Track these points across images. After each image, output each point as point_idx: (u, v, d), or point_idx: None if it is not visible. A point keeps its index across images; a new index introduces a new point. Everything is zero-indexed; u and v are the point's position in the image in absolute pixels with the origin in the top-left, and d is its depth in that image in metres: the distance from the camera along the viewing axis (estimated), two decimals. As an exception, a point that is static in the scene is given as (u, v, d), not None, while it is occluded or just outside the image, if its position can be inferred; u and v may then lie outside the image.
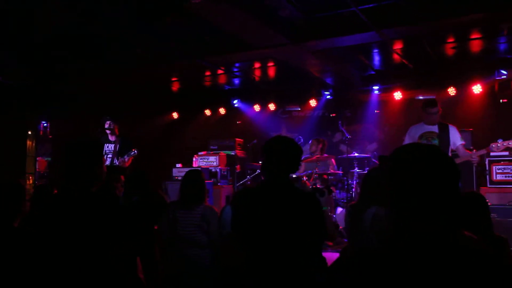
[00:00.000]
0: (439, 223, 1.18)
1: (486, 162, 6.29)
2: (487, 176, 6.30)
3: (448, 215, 1.18)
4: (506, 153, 6.24)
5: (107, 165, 6.06)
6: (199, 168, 7.84)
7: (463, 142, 5.69)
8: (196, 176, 4.26)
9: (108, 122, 6.93)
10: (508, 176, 6.15)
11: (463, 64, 8.28)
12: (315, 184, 7.00)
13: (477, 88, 8.51)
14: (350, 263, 1.28)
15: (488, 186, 6.24)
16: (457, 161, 5.55)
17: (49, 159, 10.52)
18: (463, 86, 8.64)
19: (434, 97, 8.53)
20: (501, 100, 8.58)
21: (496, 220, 5.26)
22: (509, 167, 6.16)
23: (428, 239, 1.18)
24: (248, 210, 2.59)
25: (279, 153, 2.65)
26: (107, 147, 6.91)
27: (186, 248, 4.03)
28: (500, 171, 6.20)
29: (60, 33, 6.39)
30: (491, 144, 5.40)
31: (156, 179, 7.18)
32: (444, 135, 5.60)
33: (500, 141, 5.34)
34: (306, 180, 7.03)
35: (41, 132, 10.56)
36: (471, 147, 6.85)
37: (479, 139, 7.31)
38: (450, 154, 5.64)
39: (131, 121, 9.88)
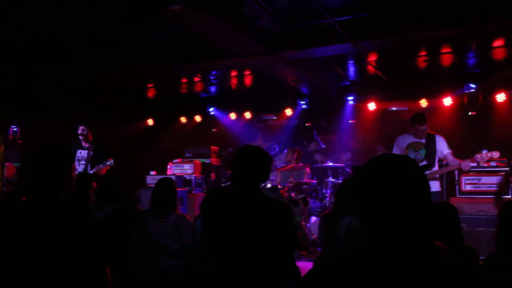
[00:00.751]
0: (412, 234, 1.21)
1: (456, 173, 6.46)
2: (457, 187, 6.47)
3: (421, 225, 1.21)
4: (475, 164, 6.42)
5: (80, 172, 5.96)
6: (173, 176, 7.78)
7: (450, 151, 5.82)
8: (168, 184, 4.23)
9: (81, 127, 6.82)
10: (476, 187, 6.32)
11: (434, 77, 8.51)
12: (289, 193, 7.04)
13: (447, 101, 8.74)
14: (322, 273, 1.28)
15: (458, 196, 6.40)
16: (446, 169, 5.71)
17: (18, 164, 10.25)
18: (434, 98, 8.86)
19: (406, 109, 8.75)
20: (470, 113, 8.84)
21: (465, 229, 5.39)
22: (477, 178, 6.34)
23: (402, 250, 1.20)
24: (217, 220, 2.58)
25: (248, 163, 2.63)
26: (80, 153, 6.80)
27: (158, 257, 3.99)
28: (469, 181, 6.38)
29: (33, 36, 6.27)
30: (476, 155, 5.56)
31: (129, 186, 7.10)
32: (430, 145, 5.76)
33: (484, 151, 5.50)
34: (281, 189, 7.06)
35: (10, 137, 10.29)
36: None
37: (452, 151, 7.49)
38: (437, 163, 5.81)
39: (105, 127, 9.74)
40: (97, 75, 8.13)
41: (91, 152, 6.74)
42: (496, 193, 6.18)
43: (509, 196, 6.08)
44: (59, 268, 1.96)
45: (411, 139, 5.87)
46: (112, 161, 6.65)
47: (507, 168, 6.18)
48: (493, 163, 6.31)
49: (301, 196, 7.05)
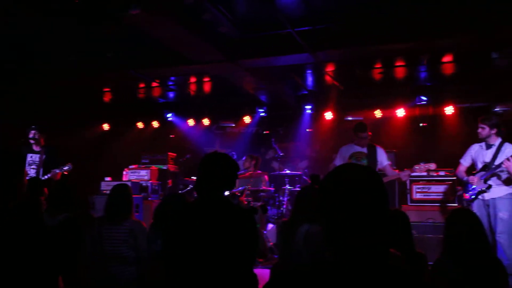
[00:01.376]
0: (371, 242, 1.25)
1: (407, 182, 6.69)
2: (408, 195, 6.70)
3: (380, 233, 1.25)
4: (425, 173, 6.69)
5: (32, 178, 5.74)
6: (129, 182, 7.63)
7: (389, 162, 6.12)
8: (123, 190, 4.15)
9: (33, 132, 6.57)
10: (427, 195, 6.58)
11: (388, 89, 8.81)
12: (248, 201, 7.06)
13: (400, 112, 9.07)
14: (282, 284, 1.29)
15: (409, 204, 6.64)
16: (385, 179, 5.91)
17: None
18: (388, 109, 9.16)
19: (362, 119, 9.00)
20: (421, 124, 9.21)
21: (415, 236, 5.59)
22: (428, 186, 6.60)
23: (362, 259, 1.24)
24: (180, 227, 2.56)
25: (216, 170, 2.61)
26: (31, 157, 6.54)
27: (112, 264, 3.89)
28: (419, 190, 6.62)
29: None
30: (414, 166, 5.80)
31: (83, 192, 6.90)
32: (372, 155, 5.99)
33: (422, 164, 5.76)
34: (239, 196, 7.07)
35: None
36: (394, 167, 7.26)
37: (402, 160, 7.78)
38: None
39: (59, 132, 9.43)
40: (52, 79, 7.88)
41: (43, 156, 6.50)
42: (442, 202, 6.46)
43: (455, 204, 6.36)
44: (10, 277, 1.89)
45: (354, 148, 6.10)
46: (70, 165, 6.47)
47: (454, 178, 6.47)
48: (442, 173, 6.60)
49: (259, 203, 7.09)
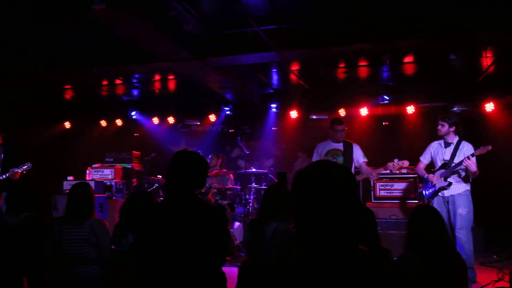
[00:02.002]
0: (341, 238, 1.27)
1: (371, 180, 6.84)
2: (372, 192, 6.86)
3: (350, 229, 1.28)
4: (388, 171, 6.86)
5: None
6: (92, 182, 7.46)
7: (365, 160, 6.13)
8: (83, 189, 4.06)
9: None
10: (390, 192, 6.76)
11: (352, 88, 8.97)
12: (216, 199, 7.04)
13: (364, 111, 9.26)
14: (254, 281, 1.30)
15: (373, 201, 6.80)
16: (360, 177, 6.00)
17: None
18: (352, 108, 9.33)
19: (326, 118, 9.14)
20: (384, 123, 9.44)
21: (380, 232, 5.73)
22: (390, 184, 6.78)
23: (331, 255, 1.26)
24: (152, 225, 2.53)
25: (187, 168, 2.61)
26: None
27: (74, 265, 3.80)
28: (382, 187, 6.80)
29: None
30: (388, 163, 5.90)
31: (45, 192, 6.70)
32: (348, 152, 6.03)
33: (396, 160, 5.86)
34: (207, 194, 7.04)
35: None
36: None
37: (367, 158, 7.93)
38: (353, 171, 6.08)
39: (19, 130, 9.12)
40: (11, 76, 7.60)
41: (2, 155, 6.27)
42: (404, 199, 6.65)
43: (416, 201, 6.56)
44: None
45: (330, 145, 6.12)
46: (29, 164, 6.32)
47: (416, 175, 6.66)
48: (404, 170, 6.78)
49: (226, 201, 7.08)
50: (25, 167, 6.27)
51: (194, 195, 2.63)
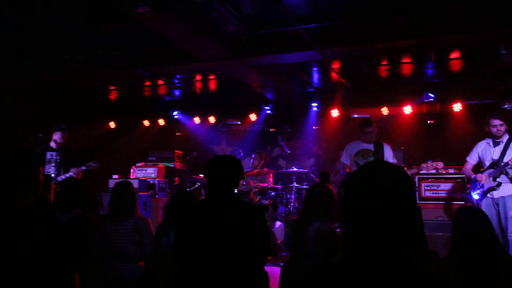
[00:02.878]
0: (394, 240, 1.23)
1: (416, 179, 6.66)
2: (417, 193, 6.67)
3: (402, 231, 1.24)
4: (434, 171, 6.65)
5: (44, 175, 5.74)
6: (136, 180, 7.64)
7: (395, 161, 5.98)
8: (125, 188, 4.15)
9: (61, 132, 6.55)
10: (435, 193, 6.54)
11: (395, 86, 8.76)
12: (259, 198, 7.05)
13: (407, 109, 9.03)
14: (301, 285, 1.28)
15: (418, 202, 6.60)
16: None
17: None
18: (395, 106, 9.12)
19: (369, 116, 8.96)
20: (428, 121, 9.16)
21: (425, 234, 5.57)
22: (436, 184, 6.56)
23: (383, 257, 1.22)
24: (193, 223, 2.57)
25: (223, 172, 2.77)
26: (51, 155, 6.52)
27: (118, 262, 3.89)
28: (428, 188, 6.59)
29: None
30: (422, 164, 5.73)
31: (91, 190, 6.93)
32: (379, 153, 5.88)
33: (429, 162, 5.69)
34: (249, 193, 7.07)
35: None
36: (403, 165, 7.23)
37: (410, 157, 7.74)
38: None
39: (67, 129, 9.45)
40: (58, 77, 7.90)
41: (59, 156, 6.51)
42: (451, 200, 6.42)
43: (462, 203, 6.32)
44: (28, 275, 1.88)
45: (360, 145, 5.97)
46: (95, 164, 6.54)
47: (464, 175, 6.43)
48: (451, 170, 6.56)
49: (267, 202, 7.08)
50: (93, 165, 6.49)
51: (233, 194, 2.70)
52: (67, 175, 6.34)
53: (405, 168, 5.90)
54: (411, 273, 1.20)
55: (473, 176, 5.50)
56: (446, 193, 6.49)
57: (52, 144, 6.60)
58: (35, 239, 1.94)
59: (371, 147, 5.93)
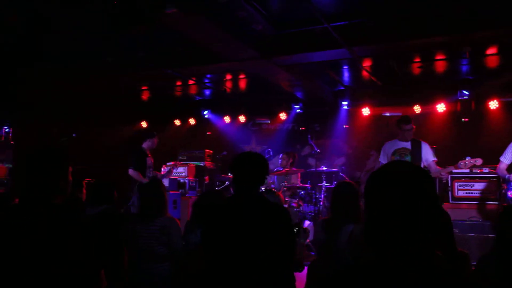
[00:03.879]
0: (417, 242, 1.21)
1: (449, 179, 6.49)
2: (449, 192, 6.50)
3: (425, 233, 1.21)
4: (467, 170, 6.46)
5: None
6: (167, 179, 7.76)
7: (435, 159, 5.78)
8: (155, 188, 4.19)
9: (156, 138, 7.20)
10: (469, 193, 6.36)
11: (428, 83, 8.57)
12: (286, 199, 6.99)
13: (441, 107, 8.80)
14: (325, 284, 1.27)
15: (450, 202, 6.44)
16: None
17: (10, 165, 10.17)
18: (428, 104, 8.91)
19: (400, 115, 8.80)
20: (462, 119, 8.90)
21: (457, 235, 5.43)
22: (470, 183, 6.38)
23: (406, 259, 1.20)
24: (220, 223, 2.58)
25: (247, 169, 2.74)
26: (149, 161, 7.04)
27: (146, 261, 3.94)
28: (461, 187, 6.41)
29: (23, 35, 6.25)
30: (460, 162, 5.52)
31: (123, 188, 7.07)
32: (416, 151, 5.70)
33: (468, 158, 5.49)
34: (277, 191, 7.06)
35: (2, 138, 10.22)
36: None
37: (443, 157, 7.53)
38: None
39: (101, 130, 9.71)
40: (91, 78, 8.10)
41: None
42: (486, 200, 6.22)
43: (497, 203, 6.11)
44: (53, 273, 1.93)
45: (397, 144, 5.82)
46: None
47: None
48: (485, 169, 6.36)
49: (295, 201, 7.06)
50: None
51: (258, 192, 2.69)
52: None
53: (439, 168, 5.68)
54: (432, 274, 1.17)
55: (507, 176, 5.31)
56: (480, 193, 6.30)
57: (148, 151, 7.08)
58: (63, 237, 1.98)
59: (408, 145, 5.76)
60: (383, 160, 5.96)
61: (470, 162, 5.43)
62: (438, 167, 5.66)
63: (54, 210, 2.06)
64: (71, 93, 9.04)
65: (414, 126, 5.79)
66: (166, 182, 7.79)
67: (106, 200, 4.37)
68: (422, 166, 5.68)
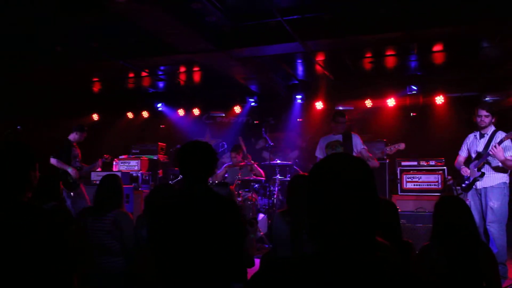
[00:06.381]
0: (360, 232, 1.23)
1: (398, 171, 6.71)
2: (398, 184, 6.72)
3: (365, 223, 1.23)
4: (415, 162, 6.71)
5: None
6: (119, 173, 7.58)
7: (365, 147, 6.15)
8: (113, 181, 4.10)
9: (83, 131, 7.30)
10: (417, 185, 6.60)
11: (379, 78, 8.80)
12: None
13: (391, 102, 9.07)
14: (269, 274, 1.27)
15: (399, 193, 6.66)
16: None
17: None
18: (379, 98, 9.16)
19: (352, 109, 9.03)
20: (411, 114, 9.22)
21: (405, 226, 5.62)
22: (418, 176, 6.61)
23: (350, 249, 1.22)
24: (164, 217, 2.53)
25: (193, 159, 2.60)
26: (75, 151, 7.21)
27: (99, 255, 3.86)
28: (409, 179, 6.64)
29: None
30: (385, 148, 6.06)
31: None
32: (347, 142, 6.09)
33: (391, 145, 5.91)
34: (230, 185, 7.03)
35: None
36: (385, 157, 7.27)
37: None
38: None
39: (49, 122, 9.35)
40: (39, 68, 7.77)
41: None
42: (431, 191, 6.47)
43: (443, 194, 6.39)
44: (30, 275, 1.85)
45: (330, 138, 6.23)
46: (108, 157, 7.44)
47: (445, 167, 6.49)
48: (432, 162, 6.62)
49: (254, 203, 7.08)
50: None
51: (205, 185, 2.62)
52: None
53: (370, 155, 6.00)
54: (375, 265, 1.20)
55: (460, 167, 5.55)
56: (428, 185, 6.55)
57: (72, 142, 7.23)
58: (37, 237, 1.90)
59: (339, 138, 6.14)
60: (319, 154, 6.32)
61: (394, 147, 5.78)
62: (369, 153, 5.96)
63: (27, 208, 1.97)
64: (17, 83, 8.63)
65: (347, 121, 6.26)
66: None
67: (52, 196, 4.22)
68: (354, 155, 5.95)
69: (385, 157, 7.13)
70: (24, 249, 1.86)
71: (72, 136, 7.25)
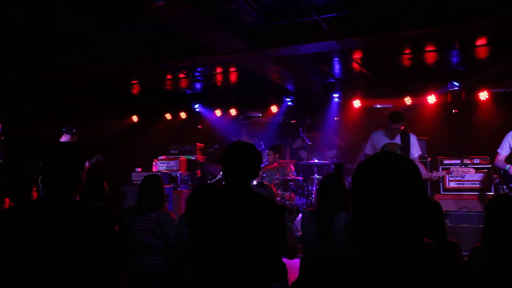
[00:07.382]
0: (404, 232, 1.20)
1: (440, 169, 6.52)
2: (441, 183, 6.54)
3: (412, 223, 1.20)
4: (458, 161, 6.50)
5: None
6: (159, 173, 7.72)
7: (420, 153, 5.81)
8: (153, 182, 4.17)
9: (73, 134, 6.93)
10: (460, 184, 6.40)
11: (418, 75, 8.58)
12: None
13: (431, 98, 8.84)
14: (315, 276, 1.26)
15: (442, 193, 6.48)
16: None
17: (0, 161, 10.04)
18: (418, 96, 8.94)
19: (391, 107, 8.82)
20: (453, 111, 8.95)
21: (449, 226, 5.47)
22: (461, 174, 6.40)
23: (393, 250, 1.20)
24: (206, 217, 2.55)
25: (238, 160, 2.58)
26: None
27: (141, 254, 3.94)
28: (452, 178, 6.44)
29: (13, 29, 6.16)
30: (451, 168, 5.69)
31: (114, 183, 7.03)
32: (405, 146, 5.65)
33: (460, 168, 5.64)
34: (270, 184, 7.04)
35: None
36: (426, 155, 7.09)
37: (434, 147, 7.59)
38: None
39: (90, 124, 9.63)
40: (80, 72, 8.02)
41: None
42: (480, 190, 6.26)
43: (489, 193, 6.17)
44: (75, 273, 1.90)
45: (385, 139, 5.76)
46: (100, 156, 6.82)
47: (490, 165, 6.27)
48: (476, 160, 6.40)
49: (288, 192, 7.05)
50: (94, 160, 6.68)
51: (247, 186, 2.60)
52: None
53: (423, 167, 5.73)
54: (422, 265, 1.17)
55: (507, 167, 5.34)
56: (472, 184, 6.34)
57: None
58: (86, 235, 1.96)
59: (397, 140, 5.72)
60: (369, 151, 5.88)
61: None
62: (421, 164, 5.70)
63: (76, 207, 2.03)
64: (61, 88, 8.95)
65: (403, 127, 5.74)
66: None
67: (98, 197, 4.34)
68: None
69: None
70: (74, 246, 1.91)
71: (62, 139, 6.93)
